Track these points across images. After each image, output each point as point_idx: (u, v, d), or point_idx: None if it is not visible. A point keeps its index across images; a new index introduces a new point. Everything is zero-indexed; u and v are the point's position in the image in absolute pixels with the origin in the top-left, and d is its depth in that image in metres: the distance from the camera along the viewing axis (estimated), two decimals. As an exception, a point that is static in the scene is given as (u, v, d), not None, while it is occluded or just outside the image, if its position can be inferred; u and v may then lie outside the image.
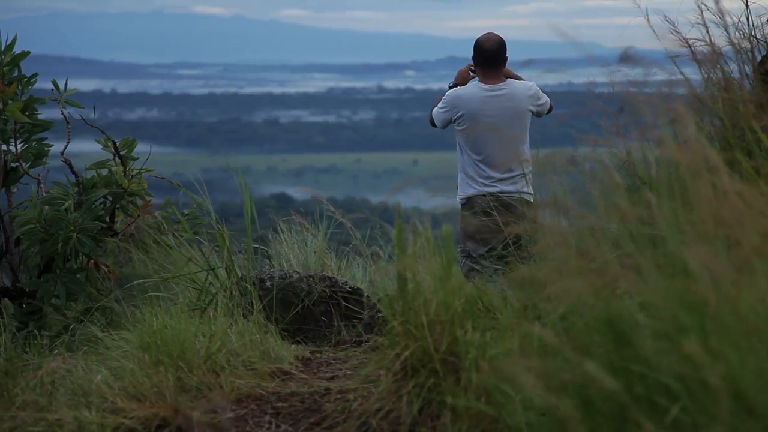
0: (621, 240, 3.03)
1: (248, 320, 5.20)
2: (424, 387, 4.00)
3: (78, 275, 7.45)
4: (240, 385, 4.61)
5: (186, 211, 7.45)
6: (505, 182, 7.89)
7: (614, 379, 2.56)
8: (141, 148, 8.06)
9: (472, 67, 8.23)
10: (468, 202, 7.93)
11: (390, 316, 4.19)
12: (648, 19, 5.77)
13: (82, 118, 7.78)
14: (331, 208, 6.21)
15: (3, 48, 7.75)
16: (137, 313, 5.10)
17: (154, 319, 4.72)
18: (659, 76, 5.48)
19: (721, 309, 2.45)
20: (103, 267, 7.78)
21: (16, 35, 7.87)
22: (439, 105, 8.11)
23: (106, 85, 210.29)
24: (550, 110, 8.15)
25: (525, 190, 7.81)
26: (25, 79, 7.85)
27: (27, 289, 7.49)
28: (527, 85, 8.04)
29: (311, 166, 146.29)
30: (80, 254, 7.42)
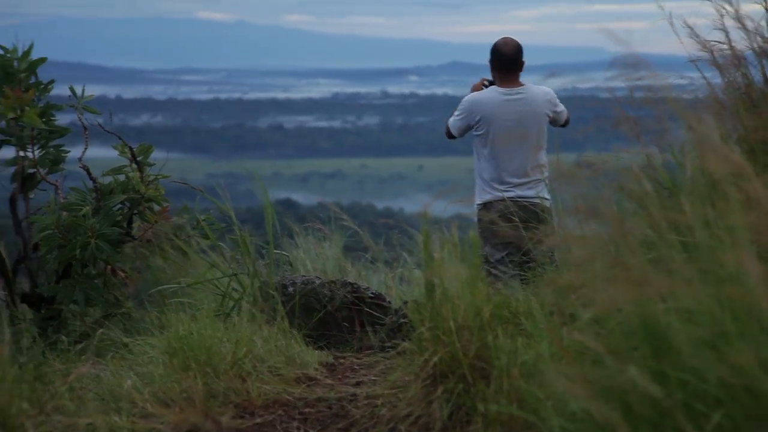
0: (655, 246, 3.03)
1: (272, 326, 5.21)
2: (454, 392, 4.01)
3: (96, 281, 7.46)
4: (267, 390, 4.62)
5: (202, 217, 7.47)
6: (523, 187, 7.88)
7: (655, 386, 2.56)
8: (157, 154, 8.08)
9: (486, 82, 8.23)
10: (485, 207, 7.91)
11: (418, 321, 4.19)
12: (671, 23, 5.77)
13: (100, 124, 7.79)
14: (345, 217, 6.22)
15: (20, 54, 7.77)
16: (162, 318, 5.10)
17: (181, 324, 4.72)
18: (677, 80, 5.50)
19: (760, 315, 2.46)
20: (120, 273, 7.80)
21: (32, 42, 7.89)
22: (455, 113, 8.09)
23: (110, 91, 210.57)
24: (567, 123, 8.14)
25: (543, 194, 7.80)
26: (42, 86, 7.87)
27: (45, 295, 7.51)
28: (545, 90, 8.04)
29: (316, 171, 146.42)
30: (98, 260, 7.44)
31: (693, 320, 2.64)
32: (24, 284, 7.78)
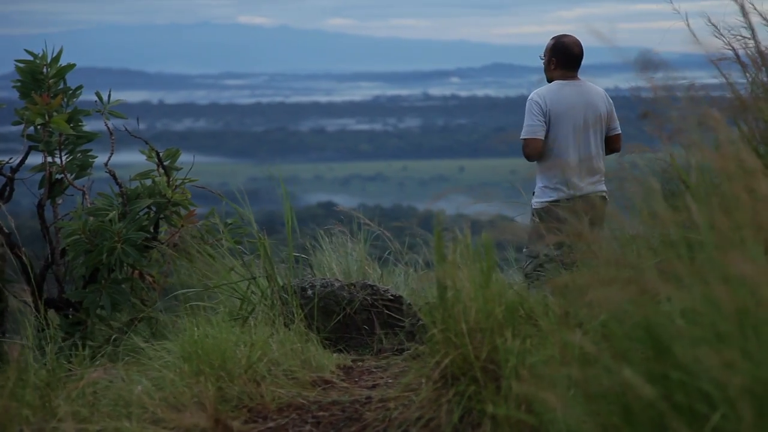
0: (659, 246, 2.98)
1: (289, 329, 5.20)
2: (465, 395, 3.98)
3: (123, 285, 7.48)
4: (281, 394, 4.61)
5: (229, 221, 7.48)
6: (589, 183, 7.86)
7: (653, 387, 2.52)
8: (186, 157, 8.09)
9: None
10: (547, 207, 7.75)
11: (430, 323, 4.16)
12: (687, 23, 5.72)
13: (126, 129, 7.82)
14: (366, 220, 6.19)
15: (49, 60, 7.81)
16: (178, 322, 5.10)
17: (195, 329, 4.72)
18: (700, 80, 5.44)
19: (762, 315, 2.41)
20: (148, 277, 7.82)
21: (61, 48, 7.93)
22: (527, 119, 7.96)
23: (153, 97, 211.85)
24: (618, 148, 8.13)
25: (603, 188, 7.82)
26: (71, 92, 7.91)
27: (72, 300, 7.54)
28: (605, 92, 8.13)
29: (358, 174, 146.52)
30: (125, 264, 7.46)
31: (692, 321, 2.59)
32: (52, 290, 7.82)
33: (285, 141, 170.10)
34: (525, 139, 7.89)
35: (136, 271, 7.72)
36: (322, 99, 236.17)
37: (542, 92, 7.96)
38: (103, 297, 7.37)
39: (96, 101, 7.79)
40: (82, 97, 8.02)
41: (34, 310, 7.41)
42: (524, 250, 7.82)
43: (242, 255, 6.13)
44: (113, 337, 6.44)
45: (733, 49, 5.45)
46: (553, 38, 8.24)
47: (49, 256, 7.78)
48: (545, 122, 7.86)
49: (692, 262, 2.76)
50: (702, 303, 2.56)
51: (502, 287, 4.13)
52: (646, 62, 4.29)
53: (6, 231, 7.62)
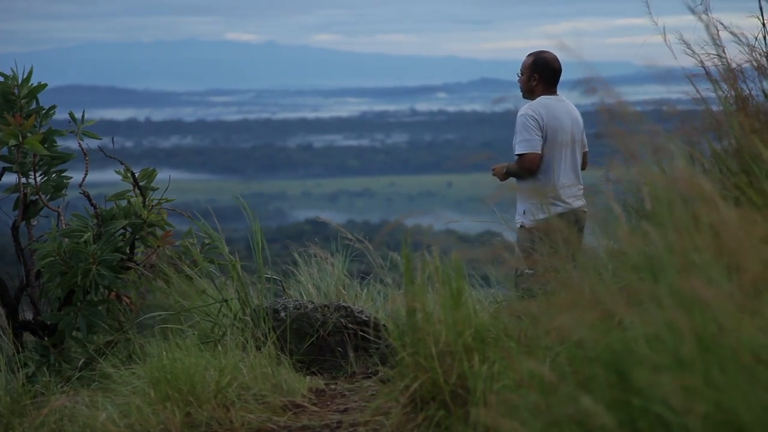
0: (620, 270, 2.94)
1: (261, 352, 5.14)
2: (434, 420, 3.92)
3: (99, 307, 7.41)
4: (251, 419, 4.55)
5: (207, 241, 7.41)
6: (577, 198, 7.85)
7: (615, 414, 2.47)
8: (174, 174, 8.03)
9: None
10: (542, 225, 7.65)
11: (399, 347, 4.11)
12: (665, 38, 5.69)
13: (101, 149, 7.76)
14: (348, 235, 6.14)
15: (20, 81, 7.74)
16: (146, 347, 5.04)
17: (164, 353, 4.66)
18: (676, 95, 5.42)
19: (721, 340, 2.37)
20: (125, 298, 7.75)
21: (32, 68, 7.87)
22: (524, 134, 7.87)
23: (140, 114, 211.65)
24: (586, 165, 8.14)
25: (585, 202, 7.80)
26: (44, 111, 7.84)
27: (48, 323, 7.47)
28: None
29: (345, 190, 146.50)
30: (100, 286, 7.40)
31: (653, 347, 2.55)
32: (27, 312, 7.75)
33: (272, 157, 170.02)
34: (524, 153, 7.82)
35: (113, 293, 7.65)
36: (309, 115, 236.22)
37: (536, 107, 7.91)
38: (79, 319, 7.29)
39: (69, 121, 7.73)
40: (62, 116, 7.95)
41: (9, 332, 7.34)
42: (521, 271, 7.73)
43: (215, 277, 6.06)
44: (83, 361, 6.35)
45: (703, 66, 5.42)
46: (531, 54, 8.21)
47: (24, 278, 7.71)
48: (542, 137, 7.83)
49: (653, 286, 2.71)
50: (663, 328, 2.52)
51: (472, 309, 4.07)
52: (590, 81, 4.26)
53: (-20, 253, 7.56)
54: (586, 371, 2.73)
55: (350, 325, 5.69)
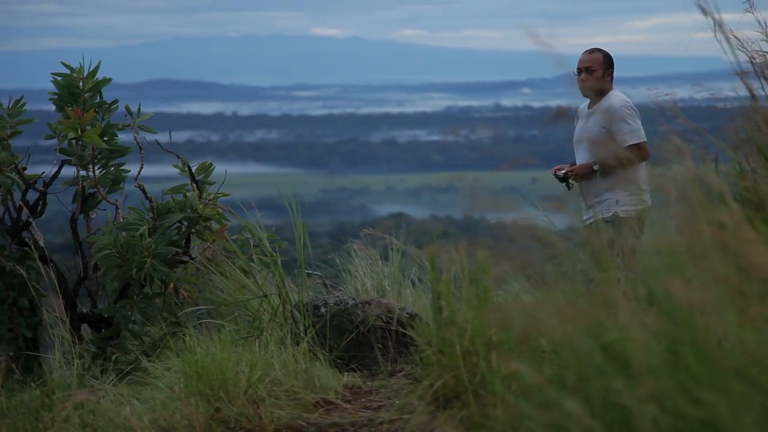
0: (593, 272, 2.88)
1: (298, 347, 5.12)
2: (456, 419, 3.87)
3: (155, 300, 7.47)
4: (280, 415, 4.53)
5: (265, 234, 7.42)
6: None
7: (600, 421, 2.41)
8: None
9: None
10: (636, 215, 7.54)
11: (425, 345, 4.07)
12: (715, 34, 5.55)
13: (158, 142, 7.83)
14: (395, 241, 6.10)
15: (85, 74, 7.83)
16: (180, 342, 5.05)
17: (198, 347, 4.66)
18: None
19: (697, 344, 2.29)
20: (183, 292, 7.80)
21: (99, 62, 7.95)
22: (634, 123, 7.92)
23: (227, 108, 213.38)
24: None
25: None
26: (106, 105, 7.93)
27: (104, 315, 7.54)
28: None
29: (429, 185, 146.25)
30: (155, 279, 7.46)
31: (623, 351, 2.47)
32: (85, 304, 7.84)
33: (356, 152, 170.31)
34: (641, 142, 7.87)
35: (171, 286, 7.70)
36: (394, 110, 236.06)
37: (629, 99, 8.04)
38: (134, 312, 7.36)
39: (126, 115, 7.80)
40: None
41: (67, 323, 7.43)
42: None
43: (259, 271, 6.06)
44: (147, 352, 6.37)
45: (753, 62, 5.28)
46: (597, 50, 8.27)
47: (82, 270, 7.80)
48: None
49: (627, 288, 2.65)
50: (640, 331, 2.45)
51: (499, 308, 4.01)
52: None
53: (40, 245, 7.64)
54: (575, 372, 2.66)
55: (391, 323, 5.65)
